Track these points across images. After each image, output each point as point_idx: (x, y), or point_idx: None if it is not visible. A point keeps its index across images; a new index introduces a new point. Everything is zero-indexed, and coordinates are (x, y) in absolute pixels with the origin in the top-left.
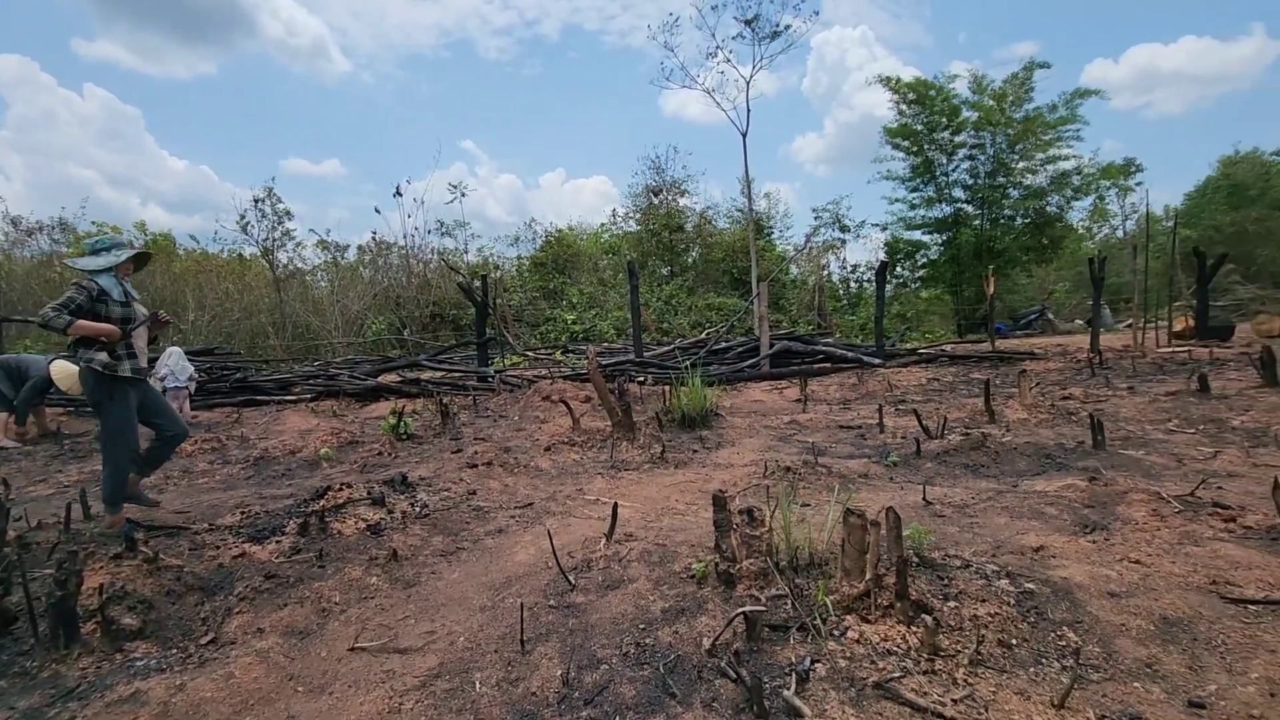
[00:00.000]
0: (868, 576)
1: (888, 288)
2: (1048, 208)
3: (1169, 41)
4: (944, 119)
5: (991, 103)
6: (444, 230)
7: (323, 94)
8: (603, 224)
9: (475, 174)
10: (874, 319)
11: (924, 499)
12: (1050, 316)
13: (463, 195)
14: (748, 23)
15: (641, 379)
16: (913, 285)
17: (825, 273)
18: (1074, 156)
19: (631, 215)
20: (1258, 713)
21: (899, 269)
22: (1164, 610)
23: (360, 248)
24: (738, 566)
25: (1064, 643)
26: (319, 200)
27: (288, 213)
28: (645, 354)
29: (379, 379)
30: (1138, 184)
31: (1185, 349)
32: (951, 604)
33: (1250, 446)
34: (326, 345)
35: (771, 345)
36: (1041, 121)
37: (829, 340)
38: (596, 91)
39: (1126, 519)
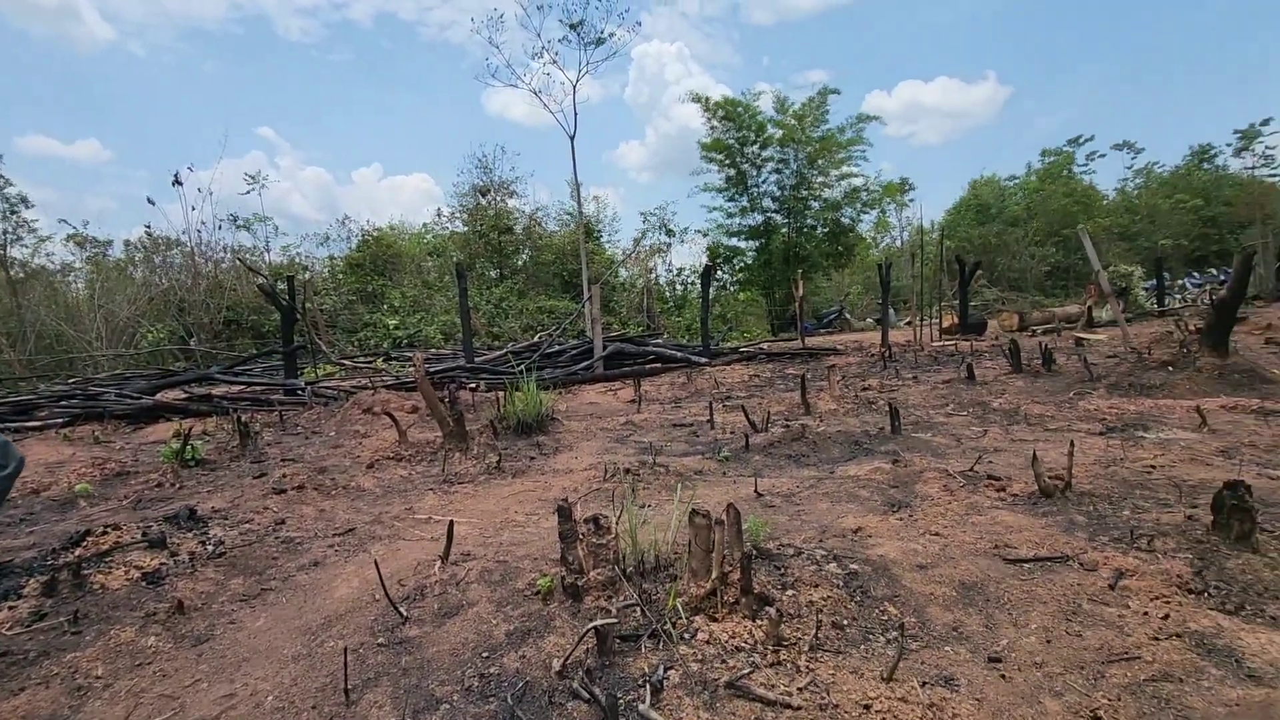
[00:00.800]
0: (714, 575)
1: (710, 290)
2: (843, 219)
3: (928, 80)
4: (752, 134)
5: (793, 122)
6: (240, 225)
7: (74, 62)
8: (426, 224)
9: (276, 165)
10: (700, 320)
11: (756, 491)
12: (847, 315)
13: (262, 187)
14: (573, 26)
15: (473, 385)
16: (732, 288)
17: (653, 275)
18: (861, 175)
19: (458, 215)
20: (1040, 659)
21: (720, 272)
22: (962, 576)
23: (129, 244)
24: (585, 578)
25: (887, 617)
26: (73, 187)
27: (23, 199)
28: (476, 359)
29: (158, 397)
30: (911, 200)
31: (952, 342)
32: (790, 593)
33: (1008, 425)
34: (85, 359)
35: (605, 347)
36: (835, 141)
37: (659, 341)
38: (416, 85)
39: (924, 495)
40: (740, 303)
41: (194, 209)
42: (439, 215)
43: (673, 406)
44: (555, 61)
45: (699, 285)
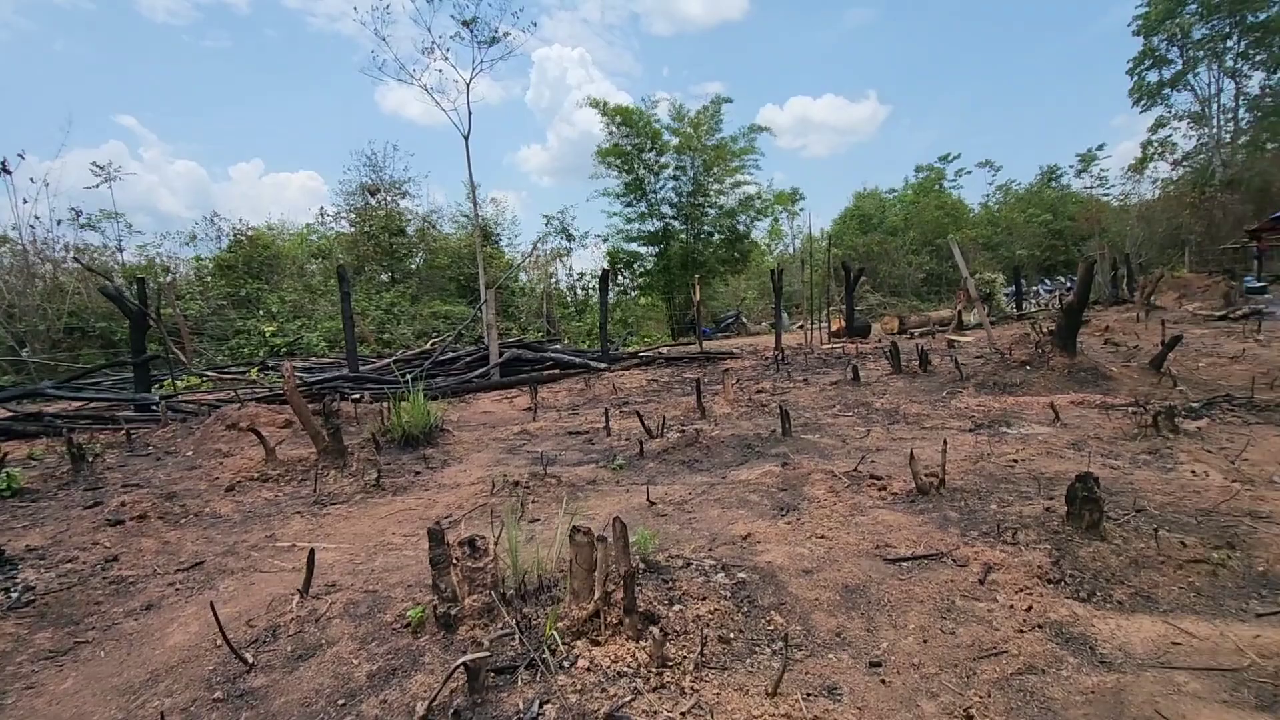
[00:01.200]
0: (596, 595)
1: (610, 295)
2: (738, 226)
3: (816, 96)
4: (649, 141)
5: (689, 130)
6: (85, 222)
7: None
8: (309, 224)
9: (139, 157)
10: (599, 325)
11: (648, 500)
12: (744, 320)
13: (112, 179)
14: (466, 24)
15: (357, 396)
16: (633, 293)
17: (554, 280)
18: (754, 183)
19: (344, 215)
20: (917, 660)
21: (620, 277)
22: (845, 580)
23: None
24: (459, 606)
25: (773, 627)
26: None
27: None
28: (362, 368)
29: None
30: (801, 209)
31: (840, 345)
32: (676, 608)
33: (889, 424)
34: None
35: (501, 354)
36: (728, 150)
37: (558, 347)
38: (303, 77)
39: (812, 498)
40: (641, 307)
41: (26, 202)
42: (322, 215)
43: (570, 414)
44: (447, 58)
45: (598, 290)
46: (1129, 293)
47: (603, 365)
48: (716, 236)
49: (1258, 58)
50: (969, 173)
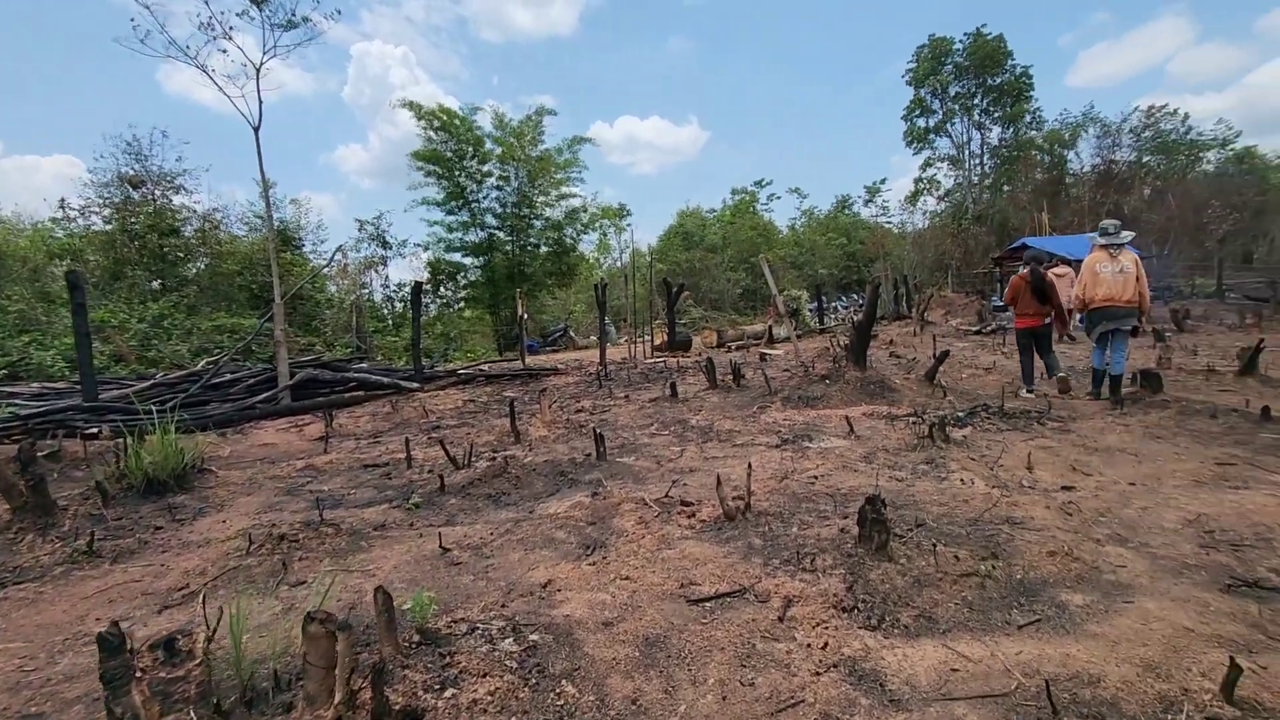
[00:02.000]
0: (338, 699)
1: (432, 307)
2: (565, 238)
3: (643, 117)
4: (470, 148)
5: (512, 140)
6: None
7: None
8: (55, 218)
9: None
10: (411, 341)
11: (441, 546)
12: (572, 334)
13: None
14: (255, 2)
15: (94, 430)
16: (456, 305)
17: (366, 291)
18: (580, 196)
19: (96, 209)
20: None
21: (443, 289)
22: (647, 630)
23: None
24: None
25: (563, 702)
26: None
27: None
28: (108, 393)
29: None
30: (628, 224)
31: (663, 359)
32: (449, 693)
33: (703, 442)
34: None
35: (293, 374)
36: (553, 161)
37: (364, 365)
38: (66, 49)
39: (620, 531)
40: (465, 321)
41: None
42: (64, 207)
43: (370, 442)
44: (230, 37)
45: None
46: (907, 309)
47: (415, 385)
48: (543, 249)
49: (996, 114)
50: (779, 198)
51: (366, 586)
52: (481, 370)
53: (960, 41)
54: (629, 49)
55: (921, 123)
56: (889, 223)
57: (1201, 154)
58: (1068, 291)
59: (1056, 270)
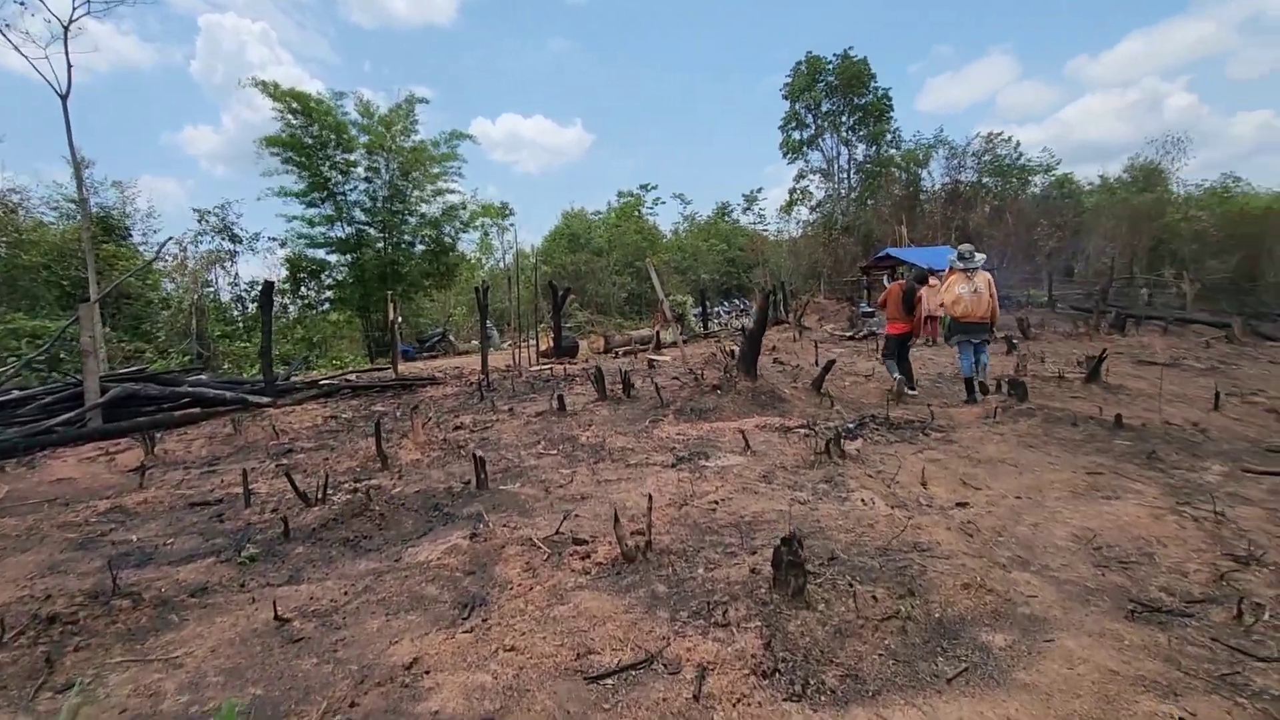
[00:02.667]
0: None
1: (292, 309)
2: (443, 237)
3: (527, 115)
4: (334, 135)
5: (381, 129)
6: None
7: None
8: None
9: None
10: (261, 349)
11: (277, 616)
12: (451, 338)
13: None
14: None
15: None
16: (320, 307)
17: (211, 291)
18: (459, 192)
19: None
20: None
21: (304, 288)
22: None
23: None
24: None
25: None
26: None
27: None
28: None
29: None
30: (511, 224)
31: (549, 365)
32: None
33: (595, 462)
34: None
35: (104, 390)
36: (428, 155)
37: (202, 377)
38: None
39: (504, 582)
40: (332, 324)
41: None
42: None
43: (203, 473)
44: None
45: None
46: (786, 315)
47: (266, 400)
48: (419, 247)
49: (861, 132)
50: (664, 202)
51: (168, 685)
52: (347, 381)
53: (830, 61)
54: (511, 45)
55: (796, 135)
56: (766, 230)
57: (1030, 178)
58: (934, 300)
59: (930, 282)
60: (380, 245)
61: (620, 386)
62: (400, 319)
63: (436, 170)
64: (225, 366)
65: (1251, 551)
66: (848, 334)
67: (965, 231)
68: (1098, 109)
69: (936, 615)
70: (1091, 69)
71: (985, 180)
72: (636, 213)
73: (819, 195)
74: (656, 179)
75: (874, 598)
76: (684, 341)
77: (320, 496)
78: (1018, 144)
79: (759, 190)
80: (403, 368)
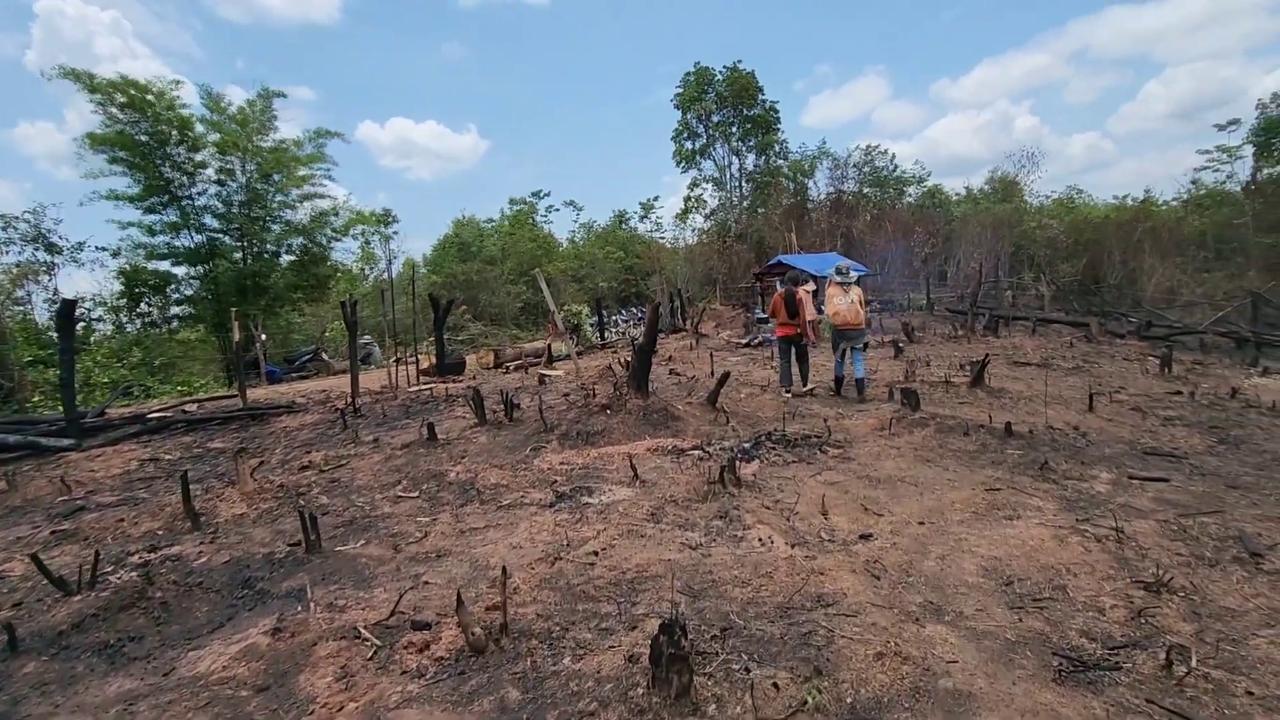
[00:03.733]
0: None
1: (130, 328)
2: (313, 246)
3: (419, 121)
4: (175, 132)
5: (235, 126)
6: None
7: None
8: None
9: None
10: (61, 380)
11: None
12: (325, 357)
13: None
14: None
15: None
16: (166, 325)
17: (21, 309)
18: (330, 196)
19: None
20: None
21: (145, 304)
22: None
23: None
24: None
25: None
26: None
27: None
28: None
29: None
30: (395, 232)
31: (430, 385)
32: None
33: (461, 505)
34: None
35: None
36: (292, 156)
37: None
38: None
39: (306, 699)
40: (181, 344)
41: None
42: None
43: None
44: None
45: (79, 324)
46: (683, 322)
47: (68, 442)
48: (286, 257)
49: (751, 143)
50: (557, 210)
51: None
52: (183, 412)
53: (720, 73)
54: (399, 48)
55: (689, 145)
56: (662, 238)
57: (905, 188)
58: (811, 304)
59: (808, 286)
60: (239, 256)
61: (503, 409)
62: (265, 337)
63: (303, 173)
64: (35, 398)
65: (1159, 576)
66: (744, 341)
67: (850, 238)
68: (959, 127)
69: (849, 700)
70: (952, 91)
71: (866, 190)
72: (530, 220)
73: (712, 203)
74: (555, 187)
75: (775, 685)
76: (579, 354)
77: (90, 579)
78: (893, 156)
79: (655, 198)
80: (263, 392)
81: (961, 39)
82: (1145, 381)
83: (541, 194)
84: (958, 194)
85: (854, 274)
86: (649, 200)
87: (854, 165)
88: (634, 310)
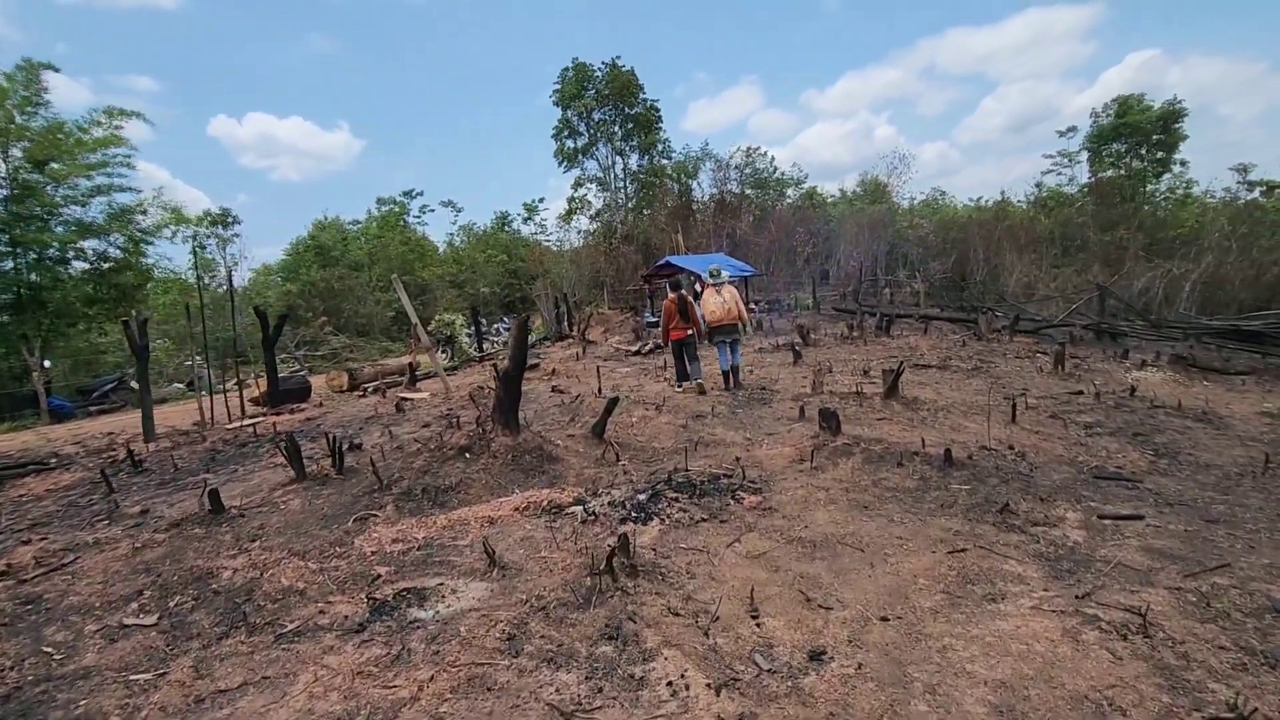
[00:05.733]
0: None
1: None
2: (112, 250)
3: (282, 116)
4: None
5: None
6: None
7: None
8: None
9: None
10: None
11: None
12: (135, 385)
13: None
14: None
15: None
16: None
17: None
18: (132, 189)
19: None
20: None
21: None
22: None
23: None
24: None
25: None
26: None
27: None
28: None
29: None
30: (235, 234)
31: (259, 419)
32: None
33: (215, 642)
34: None
35: None
36: (76, 139)
37: None
38: None
39: None
40: None
41: None
42: None
43: None
44: None
45: None
46: (569, 328)
47: None
48: (77, 264)
49: (634, 142)
50: (432, 210)
51: None
52: None
53: (599, 70)
54: (257, 38)
55: (570, 143)
56: (548, 240)
57: (785, 190)
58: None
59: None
60: (9, 264)
61: (332, 459)
62: (46, 364)
63: (96, 159)
64: None
65: (1235, 706)
66: (634, 348)
67: (734, 239)
68: (827, 135)
69: None
70: (819, 101)
71: (748, 192)
72: (401, 222)
73: (597, 204)
74: (438, 189)
75: None
76: (453, 368)
77: None
78: (773, 159)
79: (540, 200)
80: (29, 437)
81: (826, 51)
82: (1044, 381)
83: (414, 193)
84: (833, 196)
85: (725, 274)
86: (533, 201)
87: (736, 167)
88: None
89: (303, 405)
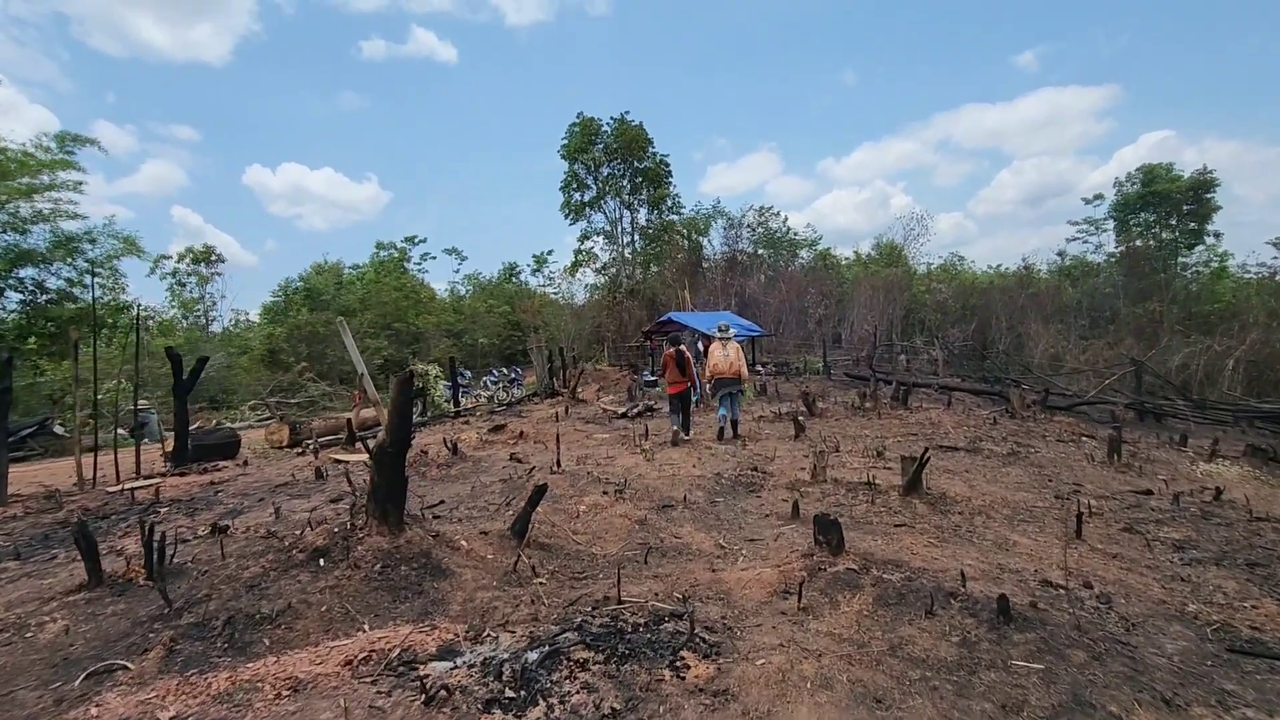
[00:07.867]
0: None
1: None
2: (53, 281)
3: (314, 168)
4: None
5: None
6: None
7: None
8: None
9: None
10: None
11: None
12: (60, 429)
13: None
14: None
15: None
16: None
17: None
18: (79, 215)
19: None
20: None
21: None
22: None
23: None
24: None
25: None
26: None
27: None
28: None
29: None
30: (216, 273)
31: (157, 480)
32: None
33: None
34: None
35: None
36: (16, 160)
37: None
38: None
39: None
40: None
41: None
42: None
43: None
44: None
45: None
46: (561, 385)
47: None
48: (12, 295)
49: (642, 196)
50: (434, 258)
51: None
52: None
53: (607, 125)
54: (295, 94)
55: (578, 196)
56: (554, 293)
57: (798, 250)
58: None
59: (681, 345)
60: None
61: (144, 561)
62: None
63: (42, 181)
64: None
65: None
66: (622, 410)
67: (743, 298)
68: (843, 202)
69: None
70: (836, 170)
71: (760, 250)
72: (400, 268)
73: (604, 257)
74: (457, 240)
75: None
76: (422, 421)
77: None
78: (786, 219)
79: (550, 252)
80: None
81: (842, 123)
82: (1097, 473)
83: (417, 240)
84: (847, 258)
85: (733, 331)
86: (542, 254)
87: (748, 225)
88: (505, 370)
89: (223, 464)
